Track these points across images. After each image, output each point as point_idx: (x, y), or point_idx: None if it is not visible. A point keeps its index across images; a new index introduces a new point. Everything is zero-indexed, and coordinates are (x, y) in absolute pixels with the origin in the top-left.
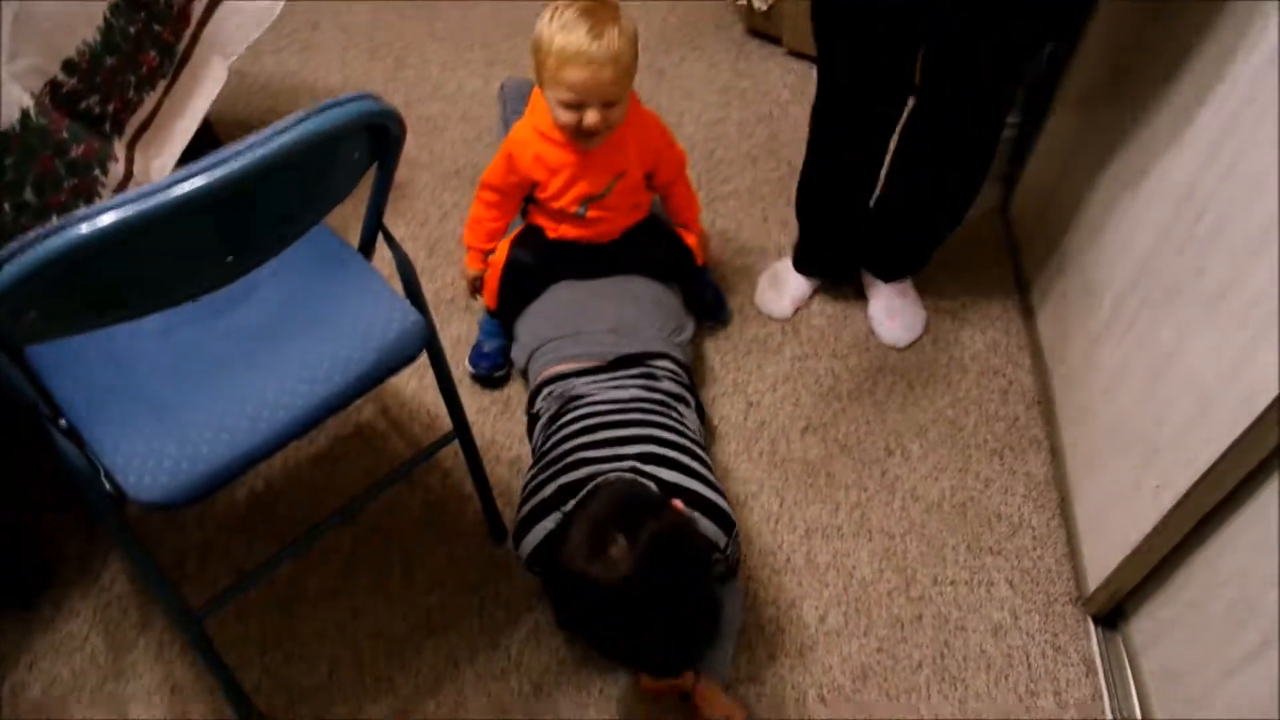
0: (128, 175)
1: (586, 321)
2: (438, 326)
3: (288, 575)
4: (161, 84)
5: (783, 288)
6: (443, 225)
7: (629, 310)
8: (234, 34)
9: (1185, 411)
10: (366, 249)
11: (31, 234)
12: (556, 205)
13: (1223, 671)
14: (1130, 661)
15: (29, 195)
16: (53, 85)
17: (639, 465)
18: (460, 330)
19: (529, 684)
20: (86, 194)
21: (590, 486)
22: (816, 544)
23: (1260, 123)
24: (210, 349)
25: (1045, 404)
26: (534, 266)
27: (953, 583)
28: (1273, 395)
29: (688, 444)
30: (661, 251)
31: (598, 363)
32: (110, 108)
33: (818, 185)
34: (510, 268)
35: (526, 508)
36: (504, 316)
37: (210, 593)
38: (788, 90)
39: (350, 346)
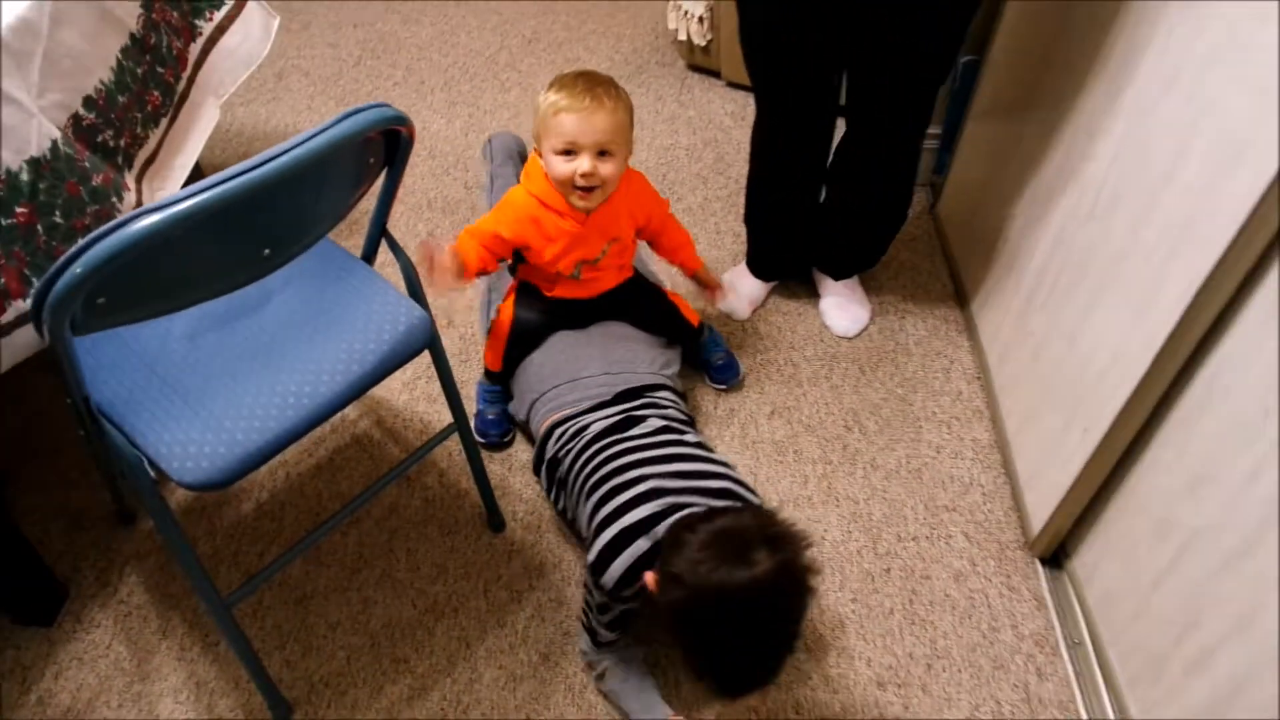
0: (138, 204)
1: (580, 369)
2: None
3: (298, 575)
4: (164, 122)
5: (740, 290)
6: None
7: (617, 350)
8: (224, 76)
9: (1101, 361)
10: (369, 256)
11: (108, 225)
12: (552, 270)
13: (1150, 584)
14: (1075, 593)
15: (58, 217)
16: (75, 119)
17: (737, 488)
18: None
19: (537, 654)
20: (106, 219)
21: (690, 513)
22: (789, 513)
23: (1152, 110)
24: (235, 349)
25: (984, 378)
26: (538, 325)
27: (914, 538)
28: (1167, 333)
29: (719, 469)
30: (656, 313)
31: (599, 402)
32: (122, 142)
33: (761, 197)
34: (517, 328)
35: (609, 533)
36: (503, 379)
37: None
38: (729, 117)
39: (364, 341)
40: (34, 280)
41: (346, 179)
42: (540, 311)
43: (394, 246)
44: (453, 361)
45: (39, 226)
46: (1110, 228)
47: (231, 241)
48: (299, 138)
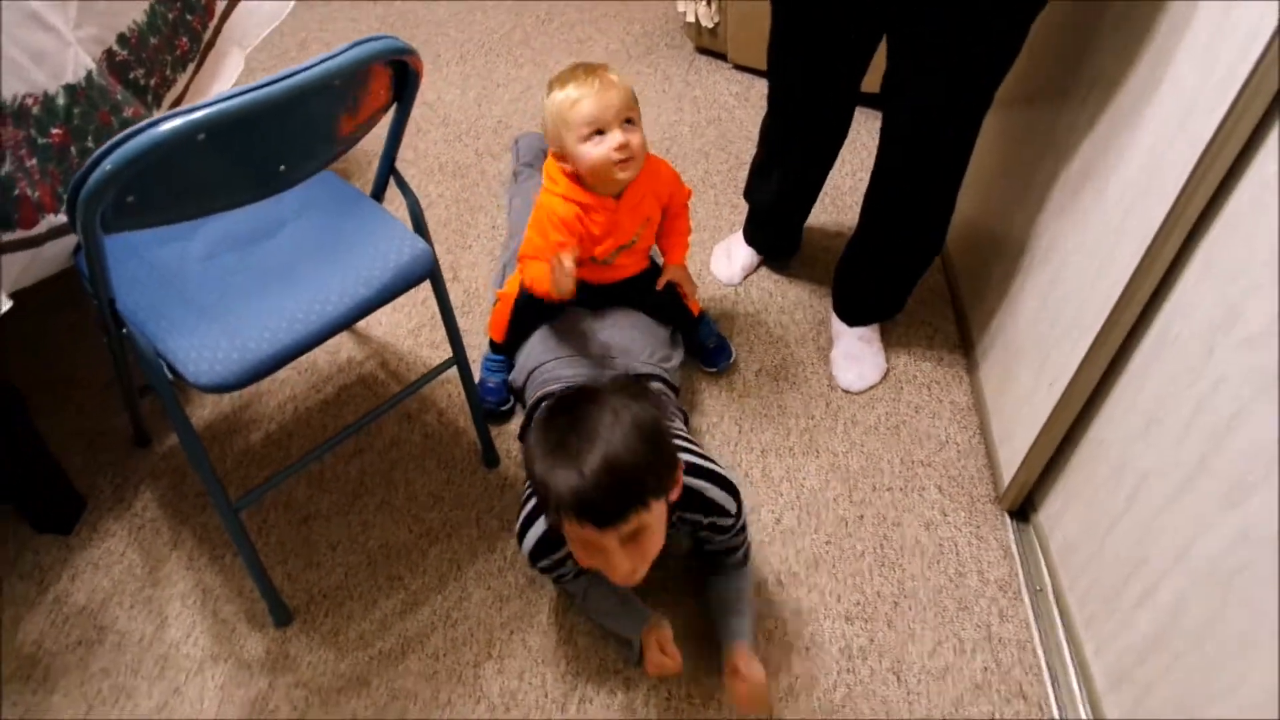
0: None
1: (581, 346)
2: None
3: (302, 498)
4: (190, 67)
5: (734, 258)
6: (428, 213)
7: (619, 336)
8: (250, 29)
9: (1067, 317)
10: (379, 193)
11: (137, 125)
12: (586, 256)
13: (1106, 528)
14: (1039, 543)
15: (90, 143)
16: (109, 54)
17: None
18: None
19: (524, 579)
20: None
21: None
22: (771, 461)
23: (1120, 87)
24: (249, 270)
25: (966, 343)
26: (543, 303)
27: (889, 489)
28: (1124, 282)
29: (690, 441)
30: (662, 298)
31: (593, 382)
32: (152, 81)
33: (764, 182)
34: (523, 304)
35: (528, 508)
36: (508, 351)
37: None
38: (733, 97)
39: (370, 266)
40: (65, 196)
41: (357, 104)
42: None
43: (401, 184)
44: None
45: (72, 149)
46: (1080, 193)
47: (250, 152)
48: (313, 60)
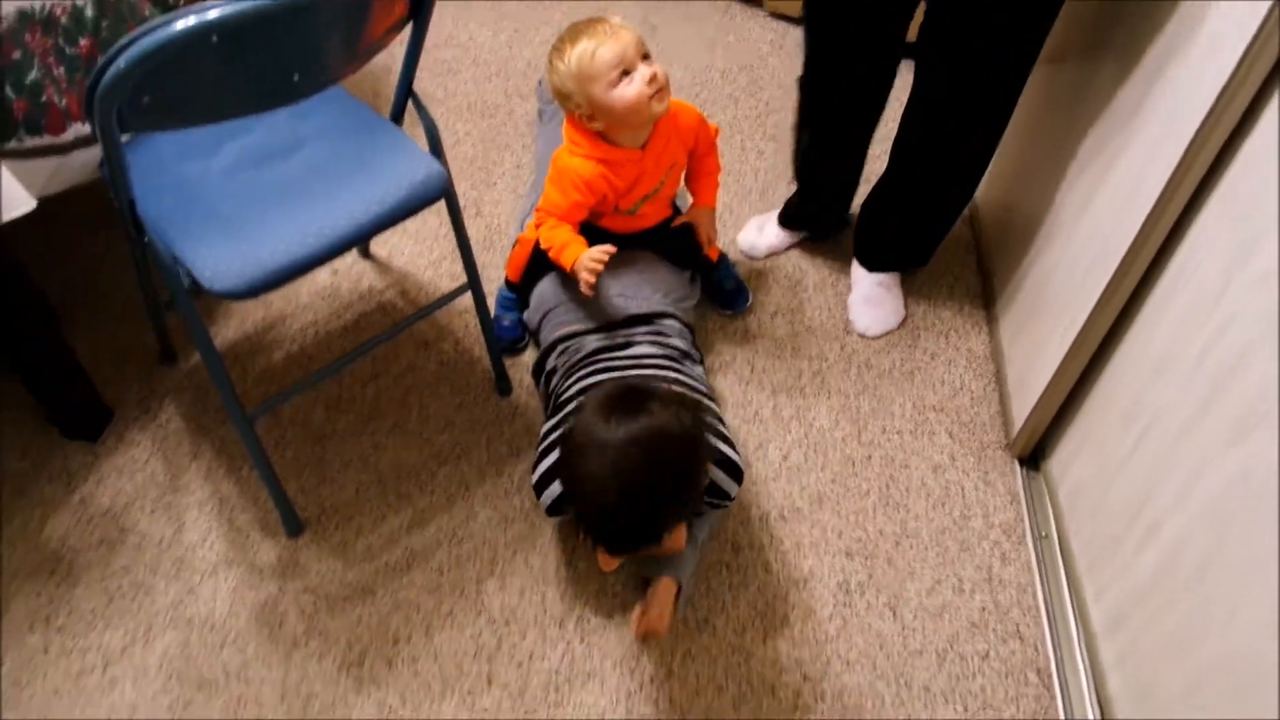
0: None
1: (597, 287)
2: None
3: (319, 418)
4: None
5: (764, 233)
6: (455, 150)
7: (635, 276)
8: None
9: (1088, 261)
10: (397, 116)
11: (153, 22)
12: (611, 206)
13: (1114, 471)
14: (1048, 491)
15: None
16: None
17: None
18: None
19: (530, 503)
20: None
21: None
22: (781, 400)
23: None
24: (268, 186)
25: (988, 294)
26: None
27: (899, 432)
28: (1142, 219)
29: (698, 397)
30: (681, 243)
31: (606, 322)
32: (181, 3)
33: (805, 141)
34: (541, 250)
35: (548, 461)
36: (523, 291)
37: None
38: (767, 45)
39: (385, 185)
40: None
41: (370, 18)
42: None
43: (419, 106)
44: (475, 249)
45: (99, 60)
46: (1107, 145)
47: (263, 58)
48: None
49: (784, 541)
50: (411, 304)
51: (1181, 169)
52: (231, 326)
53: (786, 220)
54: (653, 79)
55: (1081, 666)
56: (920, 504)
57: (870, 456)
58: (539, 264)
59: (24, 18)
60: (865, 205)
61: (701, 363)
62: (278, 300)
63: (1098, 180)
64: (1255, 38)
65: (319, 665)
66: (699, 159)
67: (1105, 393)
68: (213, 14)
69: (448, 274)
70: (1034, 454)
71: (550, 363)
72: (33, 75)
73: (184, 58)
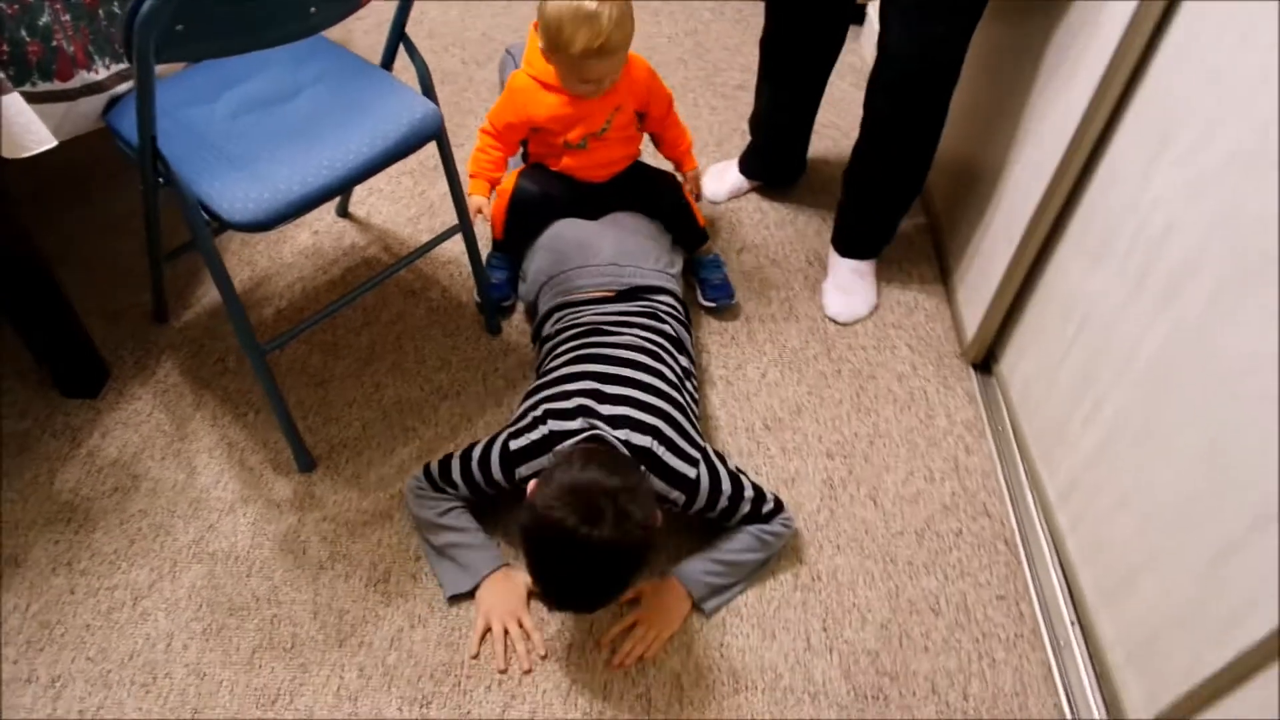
0: None
1: (590, 256)
2: None
3: (317, 364)
4: None
5: (725, 179)
6: None
7: (627, 242)
8: None
9: (1026, 178)
10: (388, 62)
11: None
12: (559, 140)
13: (1058, 360)
14: (1001, 390)
15: (116, 7)
16: None
17: (611, 430)
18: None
19: None
20: None
21: (577, 447)
22: (755, 325)
23: None
24: (273, 127)
25: (934, 225)
26: (539, 198)
27: (864, 348)
28: (1076, 122)
29: (663, 404)
30: (667, 204)
31: (605, 293)
32: None
33: (762, 94)
34: (517, 198)
35: (524, 440)
36: (509, 249)
37: (255, 381)
38: (709, 12)
39: (384, 124)
40: (95, 55)
41: None
42: (543, 186)
43: (411, 50)
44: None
45: (100, 11)
46: (1037, 67)
47: None
48: None
49: (770, 447)
50: (394, 257)
51: (1105, 80)
52: None
53: (745, 169)
54: (594, 82)
55: (1042, 534)
56: (889, 408)
57: (840, 370)
58: (519, 214)
59: None
60: (841, 194)
61: (691, 343)
62: (262, 260)
63: (1031, 109)
64: None
65: (346, 584)
66: (659, 122)
67: (1045, 295)
68: None
69: (426, 229)
70: (986, 359)
71: (547, 329)
72: (44, 19)
73: None
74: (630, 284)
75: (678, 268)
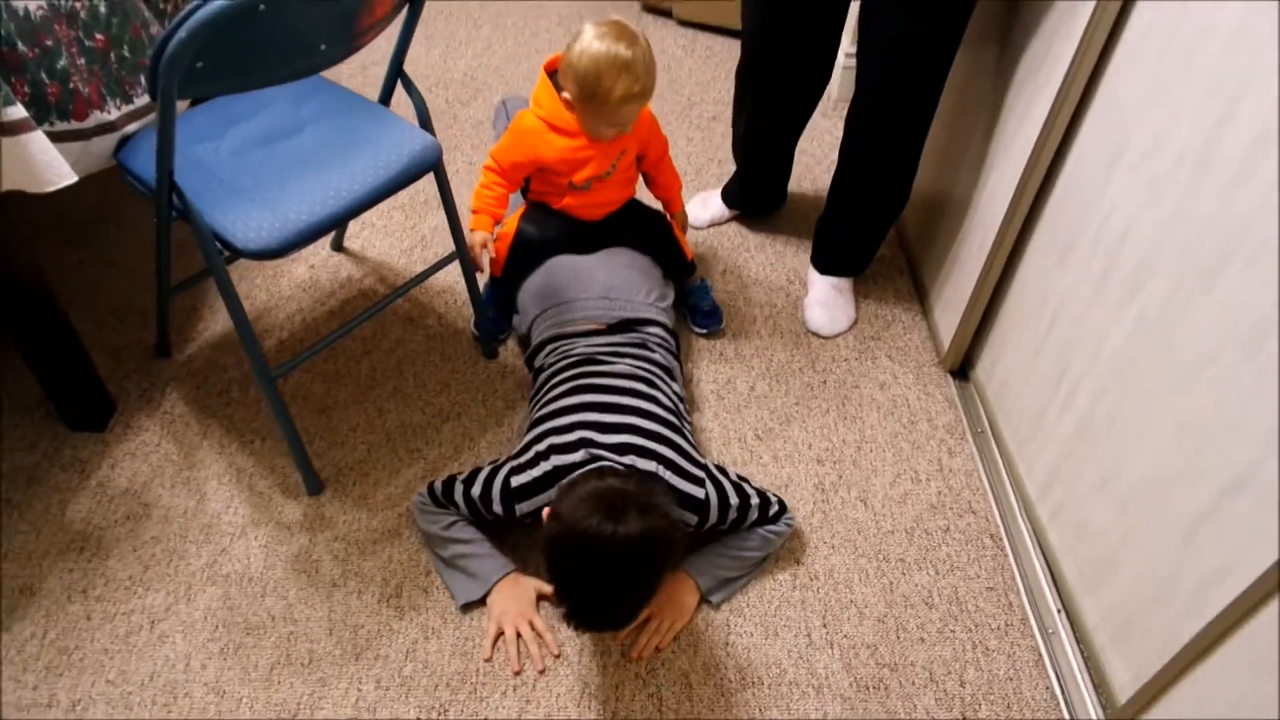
0: None
1: (582, 290)
2: None
3: (319, 391)
4: None
5: (708, 207)
6: None
7: (618, 277)
8: None
9: (990, 188)
10: (386, 98)
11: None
12: (564, 181)
13: (1032, 353)
14: (978, 395)
15: (126, 52)
16: None
17: (616, 457)
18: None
19: None
20: None
21: (592, 468)
22: (742, 342)
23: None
24: (279, 160)
25: (905, 244)
26: (539, 240)
27: (846, 359)
28: (1034, 137)
29: (663, 430)
30: (656, 238)
31: (597, 325)
32: (168, 7)
33: (739, 122)
34: (519, 240)
35: (526, 476)
36: (505, 285)
37: (259, 411)
38: (680, 49)
39: (386, 156)
40: (107, 96)
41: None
42: (544, 228)
43: (409, 86)
44: (438, 241)
45: (112, 55)
46: (1001, 89)
47: (297, 26)
48: None
49: (763, 455)
50: (389, 288)
51: (1060, 96)
52: (220, 320)
53: (728, 197)
54: (620, 126)
55: (1024, 527)
56: (873, 416)
57: (825, 381)
58: (519, 254)
59: (53, 9)
60: (821, 215)
61: (681, 371)
62: (260, 295)
63: (994, 126)
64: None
65: (360, 600)
66: (655, 165)
67: (1017, 300)
68: None
69: (419, 260)
70: (963, 367)
71: (539, 360)
72: (61, 62)
73: (234, 25)
74: (620, 317)
75: (668, 301)
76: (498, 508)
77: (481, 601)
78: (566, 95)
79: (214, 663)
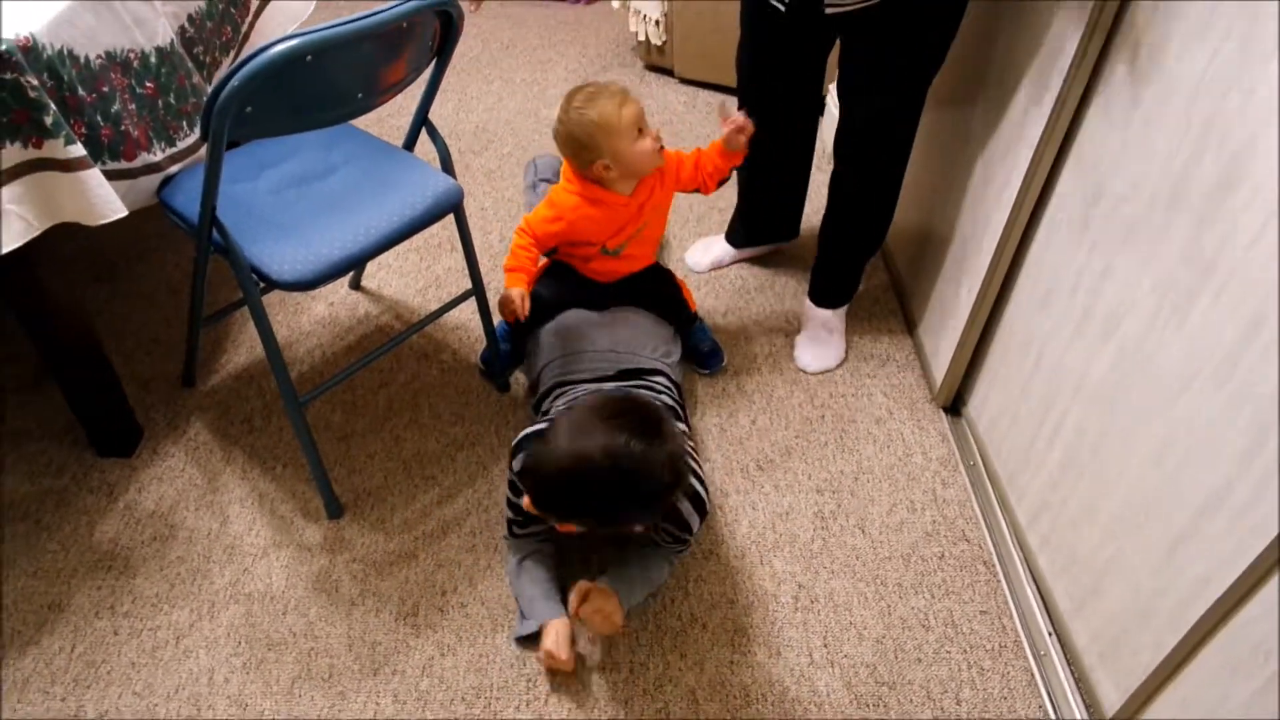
0: None
1: (589, 344)
2: None
3: (339, 421)
4: (232, 52)
5: (710, 251)
6: None
7: (624, 332)
8: (275, 27)
9: (981, 229)
10: (410, 144)
11: (253, 51)
12: (596, 248)
13: (1020, 392)
14: (970, 429)
15: (173, 99)
16: (181, 30)
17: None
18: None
19: None
20: (198, 111)
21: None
22: (743, 379)
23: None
24: (312, 200)
25: (897, 287)
26: (553, 301)
27: (843, 395)
28: (1017, 188)
29: (693, 456)
30: (663, 295)
31: (600, 376)
32: (208, 59)
33: (749, 181)
34: (533, 302)
35: (530, 430)
36: (516, 329)
37: (280, 439)
38: (681, 105)
39: (412, 196)
40: (154, 139)
41: (413, 47)
42: (559, 289)
43: (433, 134)
44: (453, 284)
45: (159, 102)
46: (994, 110)
47: (340, 76)
48: (380, 7)
49: (764, 485)
50: (405, 324)
51: (1040, 147)
52: (242, 353)
53: (732, 238)
54: (658, 136)
55: (1016, 555)
56: (869, 448)
57: (823, 416)
58: (532, 315)
59: (110, 58)
60: (817, 252)
61: (686, 418)
62: (282, 330)
63: (977, 178)
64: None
65: (378, 618)
66: (690, 172)
67: (1005, 340)
68: (308, 39)
69: (434, 299)
70: (954, 403)
71: (546, 405)
72: (115, 107)
73: (283, 75)
74: (624, 368)
75: (675, 357)
76: (514, 497)
77: (531, 639)
78: (602, 161)
79: (237, 676)
